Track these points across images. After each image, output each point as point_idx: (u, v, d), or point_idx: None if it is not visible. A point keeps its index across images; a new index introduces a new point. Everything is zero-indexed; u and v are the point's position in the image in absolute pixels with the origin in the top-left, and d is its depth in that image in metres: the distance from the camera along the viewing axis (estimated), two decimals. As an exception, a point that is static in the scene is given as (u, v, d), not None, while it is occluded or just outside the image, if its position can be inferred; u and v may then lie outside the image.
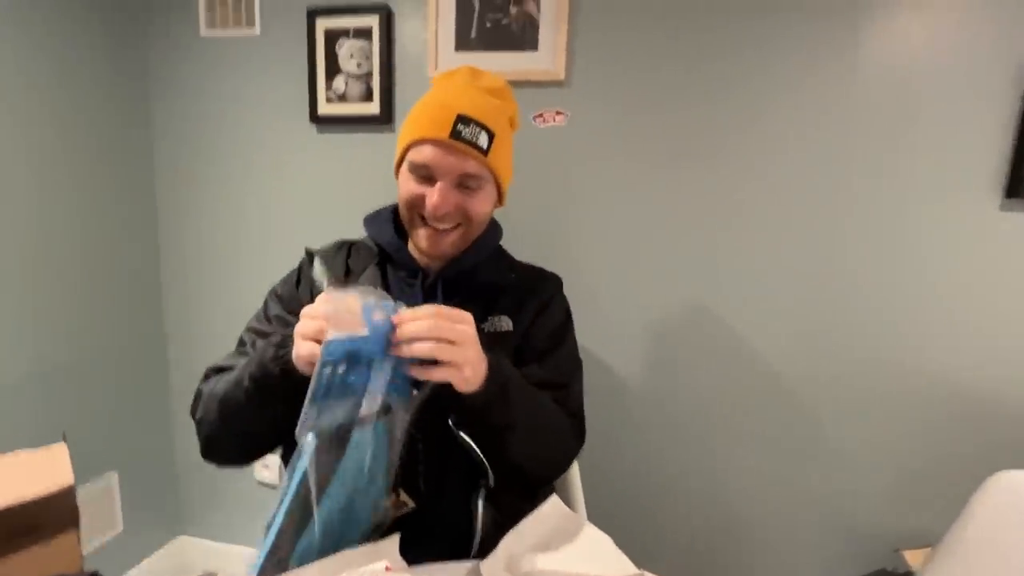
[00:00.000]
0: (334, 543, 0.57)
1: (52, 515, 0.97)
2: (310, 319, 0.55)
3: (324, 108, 1.31)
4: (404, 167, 0.76)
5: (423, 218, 0.75)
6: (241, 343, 0.79)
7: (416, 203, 0.74)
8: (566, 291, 0.89)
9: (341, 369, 0.50)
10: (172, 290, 1.54)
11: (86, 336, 1.35)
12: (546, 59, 1.19)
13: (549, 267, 0.91)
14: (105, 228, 1.37)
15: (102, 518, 1.43)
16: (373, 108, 1.28)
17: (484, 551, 0.62)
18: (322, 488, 0.53)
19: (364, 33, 1.26)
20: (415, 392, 0.60)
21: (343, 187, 1.36)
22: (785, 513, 1.25)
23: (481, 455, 0.69)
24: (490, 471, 0.70)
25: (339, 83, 1.29)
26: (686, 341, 1.24)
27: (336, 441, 0.53)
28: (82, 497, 1.33)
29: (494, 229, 0.86)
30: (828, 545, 1.24)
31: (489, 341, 0.61)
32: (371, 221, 0.84)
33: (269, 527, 0.52)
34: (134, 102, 1.41)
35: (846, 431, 1.19)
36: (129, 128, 1.41)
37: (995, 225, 1.07)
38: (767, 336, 1.20)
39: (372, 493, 0.61)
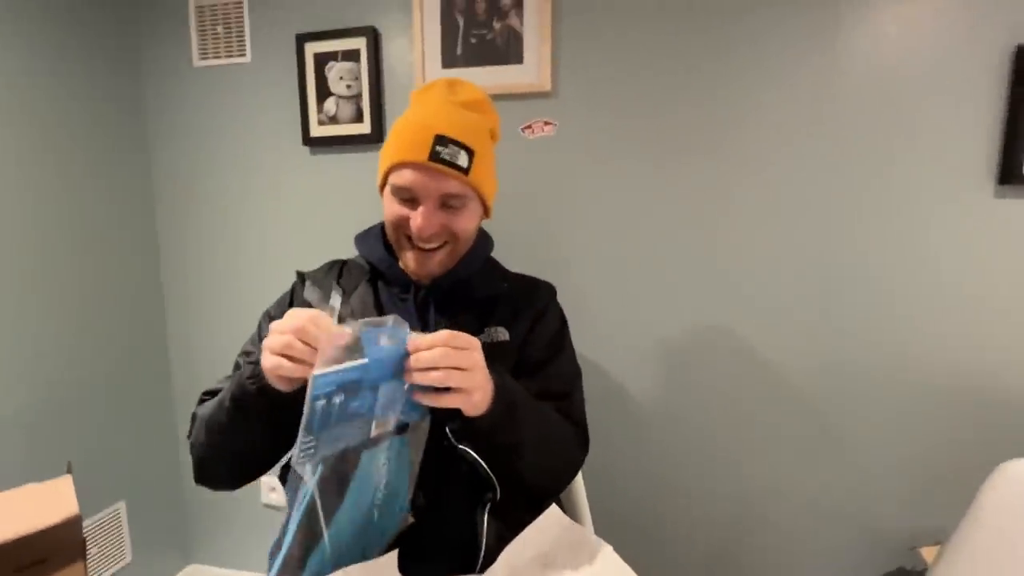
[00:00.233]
0: (357, 556, 0.57)
1: (59, 547, 0.97)
2: (278, 333, 0.55)
3: (316, 130, 1.33)
4: (387, 189, 0.76)
5: (409, 239, 0.76)
6: (236, 367, 0.79)
7: (401, 224, 0.75)
8: (561, 300, 0.89)
9: (338, 400, 0.50)
10: (175, 317, 1.55)
11: (90, 366, 1.36)
12: (532, 71, 1.20)
13: (543, 277, 0.91)
14: (107, 258, 1.39)
15: (111, 549, 1.42)
16: (364, 128, 1.30)
17: (489, 566, 0.61)
18: (331, 512, 0.53)
19: (352, 55, 1.28)
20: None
21: (338, 207, 1.37)
22: (798, 515, 1.23)
23: (487, 468, 0.69)
24: (496, 484, 0.70)
25: (330, 105, 1.31)
26: (686, 345, 1.23)
27: (344, 465, 0.53)
28: (90, 528, 1.36)
29: (484, 241, 0.86)
30: (844, 546, 1.21)
31: (487, 353, 0.61)
32: (361, 239, 0.85)
33: (273, 556, 0.52)
34: (131, 134, 1.44)
35: (856, 429, 1.17)
36: (127, 160, 1.43)
37: (990, 213, 1.06)
38: (767, 335, 1.19)
39: (396, 506, 0.62)
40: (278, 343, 0.55)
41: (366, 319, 0.53)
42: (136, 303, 1.48)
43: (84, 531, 1.24)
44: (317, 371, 0.48)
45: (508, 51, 1.21)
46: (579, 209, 1.24)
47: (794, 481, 1.22)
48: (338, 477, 0.53)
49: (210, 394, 0.75)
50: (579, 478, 0.95)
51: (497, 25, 1.20)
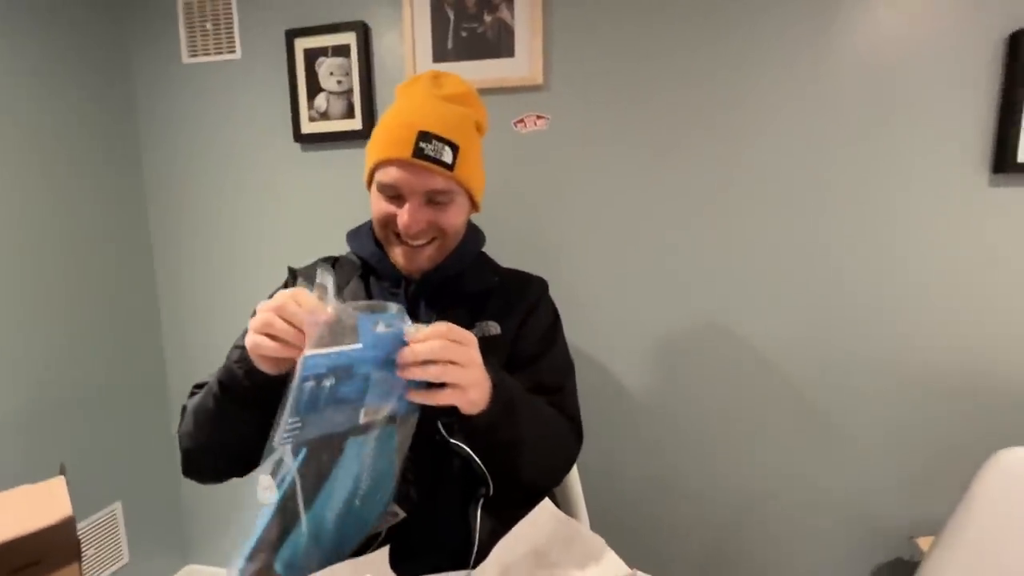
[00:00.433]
0: (334, 544, 0.57)
1: (53, 548, 0.97)
2: (261, 312, 0.55)
3: (307, 127, 1.32)
4: (374, 187, 0.76)
5: (398, 235, 0.75)
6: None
7: (388, 221, 0.75)
8: (556, 295, 0.89)
9: (329, 383, 0.49)
10: (169, 316, 1.54)
11: (85, 366, 1.35)
12: (523, 65, 1.19)
13: (536, 271, 0.90)
14: (100, 256, 1.38)
15: (108, 550, 1.42)
16: (355, 124, 1.29)
17: (481, 561, 0.61)
18: (311, 496, 0.52)
19: (342, 50, 1.27)
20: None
21: (331, 203, 1.36)
22: (795, 509, 1.23)
23: (480, 464, 0.68)
24: (490, 480, 0.69)
25: (320, 101, 1.30)
26: (681, 339, 1.23)
27: (328, 451, 0.53)
28: (87, 529, 1.36)
29: (475, 235, 0.86)
30: (841, 538, 1.21)
31: (479, 347, 0.60)
32: (353, 236, 0.84)
33: (250, 530, 0.51)
34: (122, 132, 1.42)
35: (853, 420, 1.17)
36: (118, 157, 1.42)
37: (986, 202, 1.06)
38: (761, 326, 1.19)
39: (379, 497, 0.61)
40: (259, 321, 0.54)
41: (366, 302, 0.52)
42: (130, 302, 1.47)
43: (80, 532, 1.24)
44: (308, 352, 0.47)
45: (499, 44, 1.20)
46: (572, 204, 1.24)
47: (792, 473, 1.22)
48: (321, 462, 0.52)
49: (201, 387, 0.74)
50: (574, 472, 0.95)
51: (488, 18, 1.19)
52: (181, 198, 1.47)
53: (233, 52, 1.36)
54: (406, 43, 1.23)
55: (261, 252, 1.44)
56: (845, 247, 1.13)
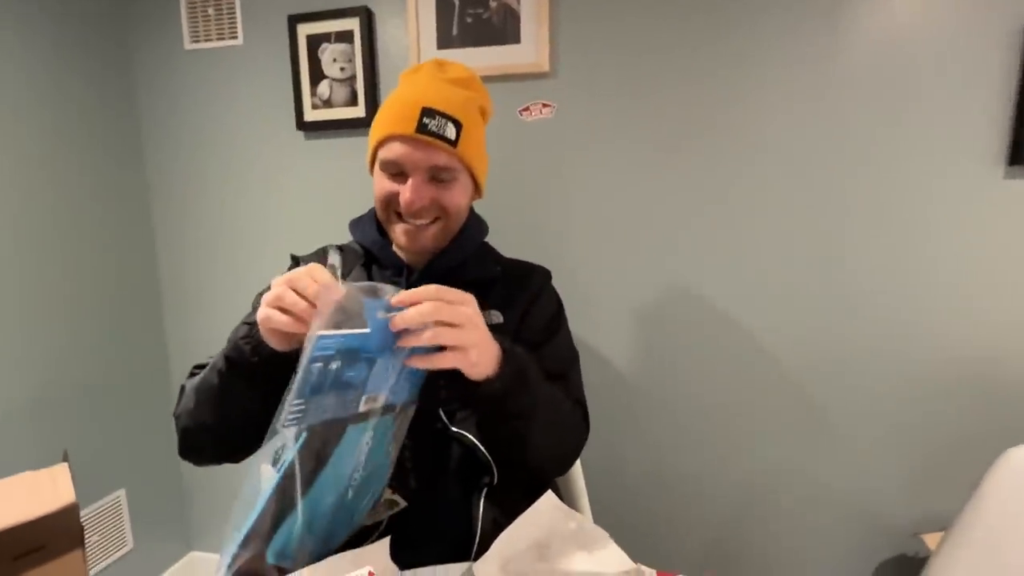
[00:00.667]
0: (325, 535, 0.56)
1: (56, 534, 0.97)
2: (276, 285, 0.54)
3: (310, 115, 1.31)
4: (376, 166, 0.75)
5: (399, 215, 0.74)
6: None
7: (391, 200, 0.74)
8: (560, 285, 0.88)
9: (335, 365, 0.48)
10: (171, 305, 1.54)
11: (88, 355, 1.35)
12: (529, 51, 1.17)
13: (540, 261, 0.89)
14: (102, 245, 1.37)
15: (112, 536, 1.43)
16: (359, 111, 1.27)
17: (483, 553, 0.60)
18: (309, 481, 0.52)
19: (345, 36, 1.25)
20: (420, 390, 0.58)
21: (333, 191, 1.35)
22: (800, 502, 1.22)
23: (484, 451, 0.67)
24: (494, 468, 0.68)
25: (323, 88, 1.29)
26: (686, 332, 1.22)
27: (328, 436, 0.52)
28: (91, 516, 1.36)
29: (479, 224, 0.85)
30: (844, 534, 1.20)
31: None
32: (355, 224, 0.84)
33: (245, 516, 0.51)
34: (122, 120, 1.41)
35: (856, 416, 1.16)
36: (120, 146, 1.41)
37: (1001, 196, 1.03)
38: (769, 322, 1.17)
39: (371, 489, 0.60)
40: (272, 295, 0.54)
41: (364, 283, 0.51)
42: (133, 290, 1.47)
43: (84, 519, 1.25)
44: (319, 332, 0.46)
45: (505, 31, 1.18)
46: (578, 193, 1.22)
47: (795, 468, 1.21)
48: (320, 448, 0.51)
49: (201, 367, 0.74)
50: (578, 466, 0.95)
51: (494, 4, 1.17)
52: (183, 186, 1.46)
53: (235, 38, 1.34)
54: (410, 29, 1.22)
55: (263, 241, 1.43)
56: (853, 241, 1.11)
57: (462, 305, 0.55)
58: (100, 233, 1.37)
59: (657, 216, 1.19)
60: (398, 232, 0.76)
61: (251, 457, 0.58)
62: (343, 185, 1.34)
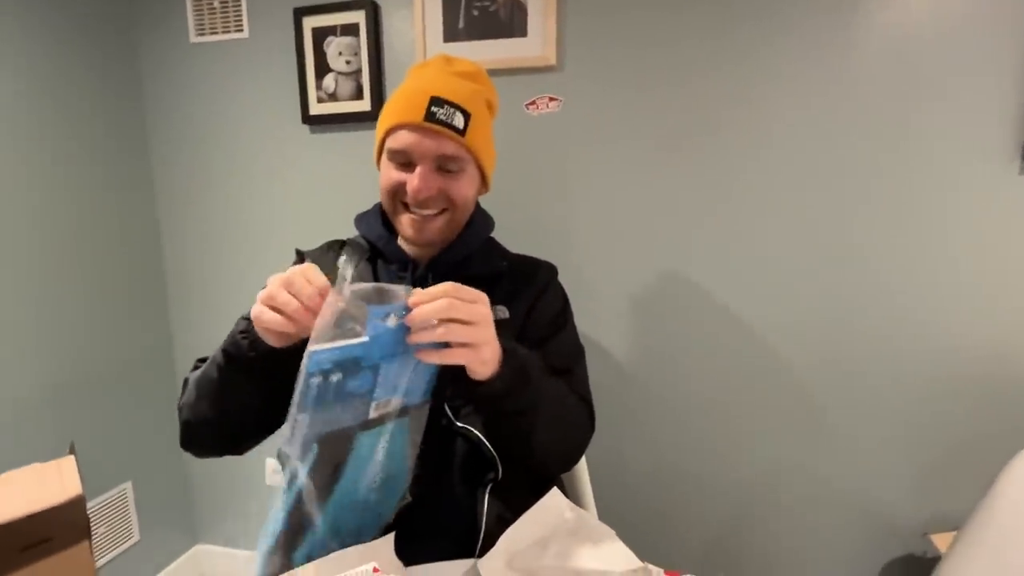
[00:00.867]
0: (354, 540, 0.56)
1: (63, 526, 0.97)
2: (270, 284, 0.54)
3: (316, 108, 1.30)
4: (384, 156, 0.75)
5: (406, 205, 0.74)
6: None
7: (398, 190, 0.73)
8: (565, 281, 0.87)
9: (335, 378, 0.48)
10: (177, 298, 1.54)
11: (94, 348, 1.36)
12: (536, 45, 1.16)
13: (546, 256, 0.89)
14: (107, 239, 1.38)
15: (118, 528, 1.44)
16: (364, 105, 1.26)
17: (488, 549, 0.60)
18: (326, 494, 0.52)
19: (351, 29, 1.24)
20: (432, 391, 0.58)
21: (339, 185, 1.35)
22: (807, 501, 1.21)
23: (490, 446, 0.67)
24: (499, 463, 0.68)
25: (329, 82, 1.28)
26: (691, 329, 1.21)
27: (339, 447, 0.52)
28: (97, 508, 1.37)
29: (485, 219, 0.84)
30: (852, 533, 1.19)
31: None
32: (360, 219, 0.83)
33: (266, 531, 0.51)
34: (128, 113, 1.41)
35: (863, 415, 1.15)
36: (125, 139, 1.41)
37: (1015, 193, 1.02)
38: (776, 321, 1.16)
39: (395, 489, 0.60)
40: (266, 293, 0.54)
41: (373, 284, 0.50)
42: (139, 283, 1.47)
43: (90, 511, 1.26)
44: (313, 347, 0.46)
45: (512, 24, 1.16)
46: (584, 188, 1.21)
47: (803, 467, 1.20)
48: (333, 459, 0.52)
49: (204, 360, 0.74)
50: (583, 462, 0.94)
51: (500, -4, 1.16)
52: (188, 179, 1.46)
53: (241, 31, 1.33)
54: (416, 21, 1.21)
55: (268, 235, 1.43)
56: (861, 237, 1.09)
57: (476, 303, 0.55)
58: (104, 225, 1.37)
59: (663, 212, 1.18)
60: (404, 223, 0.75)
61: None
62: (348, 179, 1.33)
